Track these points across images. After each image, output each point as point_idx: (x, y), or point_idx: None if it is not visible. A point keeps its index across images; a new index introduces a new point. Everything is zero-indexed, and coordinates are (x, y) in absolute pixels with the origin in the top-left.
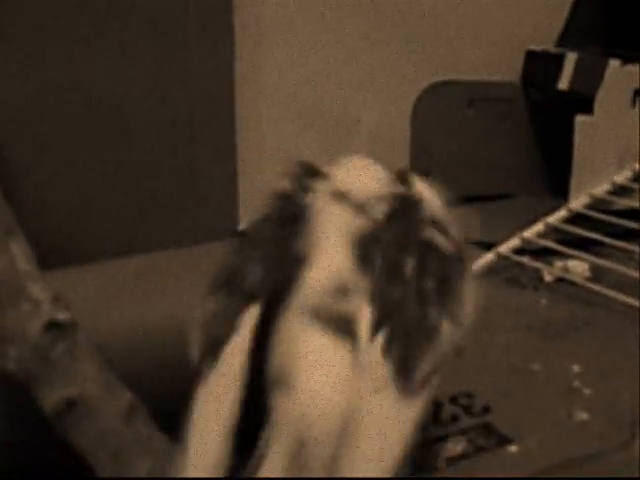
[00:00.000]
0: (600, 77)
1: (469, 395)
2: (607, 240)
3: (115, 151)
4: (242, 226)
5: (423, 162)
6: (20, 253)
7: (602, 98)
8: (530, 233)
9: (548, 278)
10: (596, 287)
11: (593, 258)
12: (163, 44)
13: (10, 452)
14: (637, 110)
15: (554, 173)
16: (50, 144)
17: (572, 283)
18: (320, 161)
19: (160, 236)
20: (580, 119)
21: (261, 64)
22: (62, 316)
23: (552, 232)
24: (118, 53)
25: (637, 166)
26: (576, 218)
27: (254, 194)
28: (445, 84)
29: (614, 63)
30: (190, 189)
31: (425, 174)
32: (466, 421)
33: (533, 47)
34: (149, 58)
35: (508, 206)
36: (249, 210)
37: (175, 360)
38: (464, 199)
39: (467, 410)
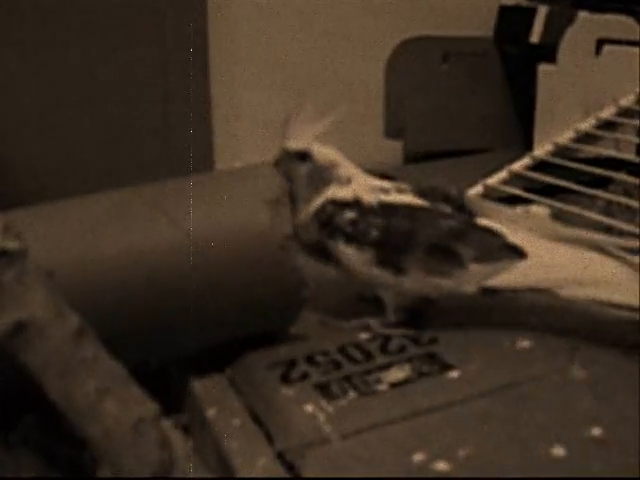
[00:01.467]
0: (565, 29)
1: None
2: (570, 186)
3: (92, 113)
4: None
5: (397, 119)
6: None
7: (565, 47)
8: (493, 180)
9: None
10: None
11: (554, 202)
12: (137, 13)
13: None
14: (601, 59)
15: (530, 127)
16: (31, 110)
17: None
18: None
19: None
20: (543, 68)
21: (233, 26)
22: (12, 244)
23: (516, 179)
24: (94, 21)
25: (602, 114)
26: (540, 165)
27: (230, 155)
28: (419, 40)
29: (583, 14)
30: (165, 150)
31: (399, 131)
32: (412, 351)
33: (506, 1)
34: (124, 25)
35: (482, 159)
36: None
37: (133, 289)
38: (441, 154)
39: (415, 341)
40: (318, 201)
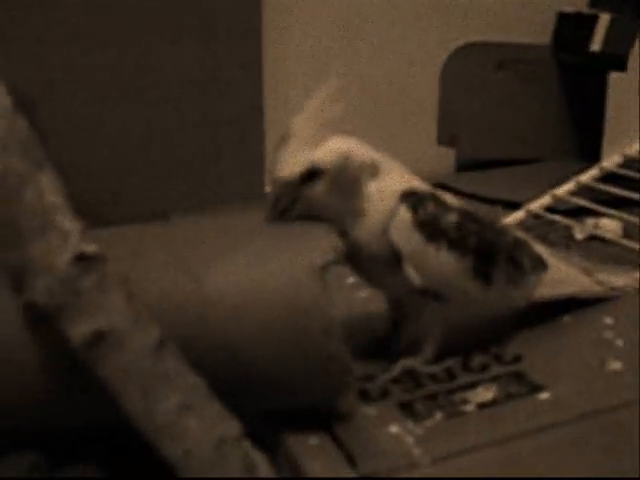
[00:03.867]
0: (633, 37)
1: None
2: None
3: (142, 115)
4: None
5: (451, 125)
6: (49, 186)
7: (636, 56)
8: (562, 191)
9: (579, 236)
10: (629, 244)
11: (626, 216)
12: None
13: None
14: None
15: (585, 137)
16: (82, 111)
17: (604, 241)
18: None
19: (189, 200)
20: (614, 76)
21: (287, 36)
22: (90, 248)
23: (584, 191)
24: (152, 32)
25: None
26: (609, 177)
27: None
28: (474, 46)
29: None
30: (215, 174)
31: (453, 138)
32: (496, 369)
33: (565, 8)
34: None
35: (538, 169)
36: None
37: None
38: (493, 163)
39: (498, 359)
40: (385, 203)
